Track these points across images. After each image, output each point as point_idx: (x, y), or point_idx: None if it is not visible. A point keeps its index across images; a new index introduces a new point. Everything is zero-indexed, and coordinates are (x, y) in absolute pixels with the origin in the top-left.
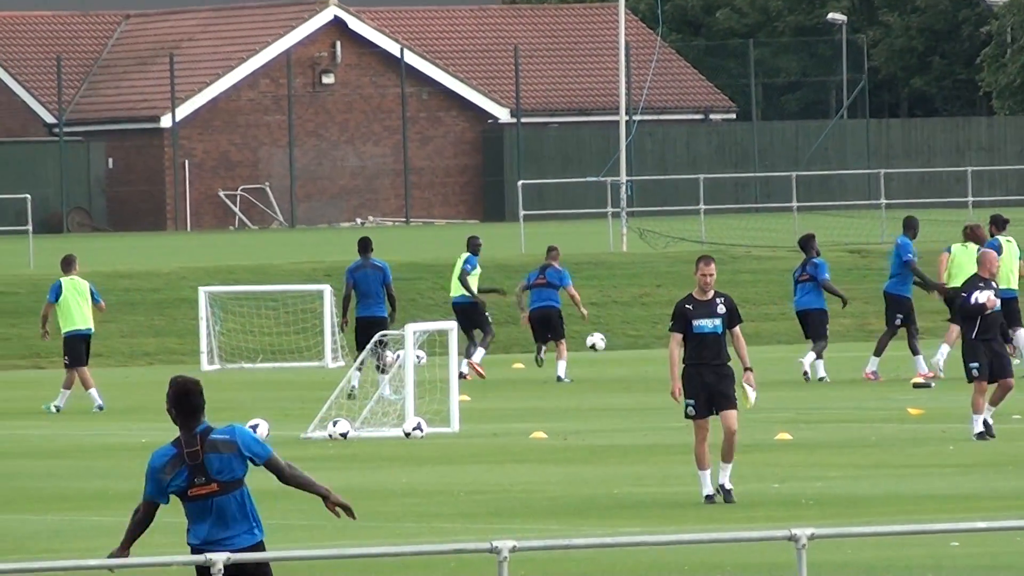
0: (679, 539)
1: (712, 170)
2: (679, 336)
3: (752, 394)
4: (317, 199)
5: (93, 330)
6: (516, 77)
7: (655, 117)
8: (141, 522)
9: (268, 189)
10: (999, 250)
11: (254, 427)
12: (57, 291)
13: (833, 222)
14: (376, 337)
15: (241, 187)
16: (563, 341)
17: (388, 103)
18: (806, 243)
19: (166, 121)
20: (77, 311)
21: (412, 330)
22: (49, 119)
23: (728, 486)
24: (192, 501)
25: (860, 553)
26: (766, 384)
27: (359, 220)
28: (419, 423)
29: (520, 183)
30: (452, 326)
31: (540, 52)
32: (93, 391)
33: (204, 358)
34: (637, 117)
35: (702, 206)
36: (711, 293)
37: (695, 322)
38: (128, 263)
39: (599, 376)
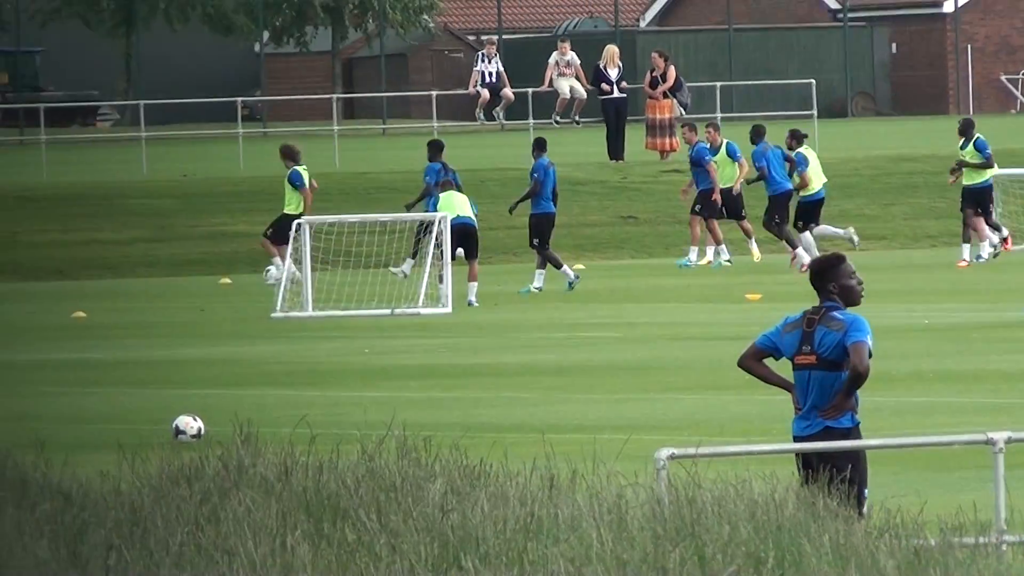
0: None
1: None
2: None
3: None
4: None
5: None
6: None
7: None
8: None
9: None
10: None
11: None
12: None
13: None
14: None
15: (1023, 71)
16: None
17: None
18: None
19: (948, 6)
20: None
21: None
22: (833, 4)
23: None
24: (796, 369)
25: None
26: None
27: None
28: None
29: None
30: None
31: None
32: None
33: None
34: None
35: None
36: None
37: None
38: (911, 146)
39: None
